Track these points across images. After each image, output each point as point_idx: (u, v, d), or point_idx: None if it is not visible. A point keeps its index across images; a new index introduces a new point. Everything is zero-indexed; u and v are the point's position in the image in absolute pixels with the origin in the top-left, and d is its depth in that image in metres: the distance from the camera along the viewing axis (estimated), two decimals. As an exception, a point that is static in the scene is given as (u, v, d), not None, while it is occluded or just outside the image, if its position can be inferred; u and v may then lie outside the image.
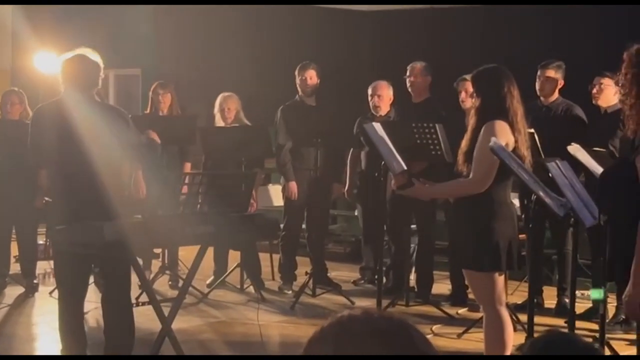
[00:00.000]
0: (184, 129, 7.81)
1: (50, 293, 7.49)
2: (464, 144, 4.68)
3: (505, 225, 4.60)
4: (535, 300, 6.78)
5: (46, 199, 7.82)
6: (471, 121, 4.69)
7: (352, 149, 8.00)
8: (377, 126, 5.97)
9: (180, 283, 7.84)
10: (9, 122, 7.54)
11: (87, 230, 4.80)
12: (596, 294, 7.16)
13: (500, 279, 4.72)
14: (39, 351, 5.99)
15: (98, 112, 5.15)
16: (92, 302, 6.00)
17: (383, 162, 6.62)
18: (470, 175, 4.58)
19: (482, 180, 4.53)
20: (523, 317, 5.77)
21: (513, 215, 4.68)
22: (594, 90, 6.73)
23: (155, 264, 8.19)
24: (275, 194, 9.17)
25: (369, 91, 7.78)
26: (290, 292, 7.80)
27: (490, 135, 4.47)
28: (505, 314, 4.76)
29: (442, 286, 7.76)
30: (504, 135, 4.52)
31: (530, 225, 4.64)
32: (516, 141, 4.59)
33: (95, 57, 5.22)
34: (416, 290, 7.42)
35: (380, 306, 6.45)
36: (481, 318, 5.81)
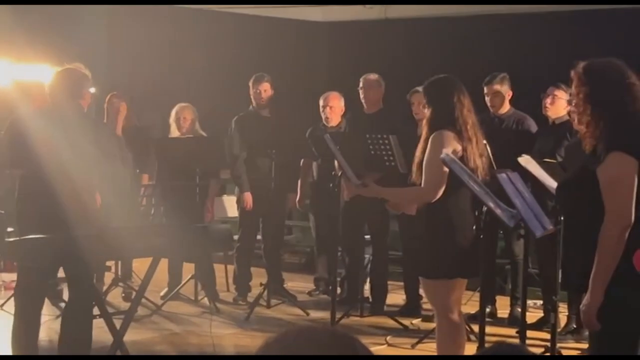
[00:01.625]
0: (139, 140, 7.78)
1: (1, 306, 7.40)
2: (418, 154, 4.73)
3: (459, 233, 4.64)
4: (488, 310, 6.87)
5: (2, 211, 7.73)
6: (423, 131, 4.74)
7: (303, 160, 8.02)
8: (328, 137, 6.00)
9: (134, 295, 7.79)
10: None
11: (42, 243, 4.76)
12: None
13: (454, 288, 4.75)
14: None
15: (80, 123, 5.17)
16: (45, 315, 5.94)
17: (335, 173, 6.66)
18: (422, 185, 4.62)
19: (433, 189, 4.57)
20: (476, 327, 5.81)
21: (468, 223, 4.72)
22: (547, 101, 6.82)
23: (109, 276, 8.13)
24: (230, 205, 9.14)
25: (321, 102, 7.82)
26: (245, 303, 7.78)
27: (438, 144, 4.52)
28: (458, 323, 4.80)
29: (396, 296, 7.80)
30: (450, 145, 4.56)
31: (481, 236, 4.67)
32: (465, 150, 4.62)
33: (85, 71, 5.41)
34: (370, 300, 7.45)
35: (334, 317, 6.47)
36: (434, 328, 5.87)
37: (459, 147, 4.60)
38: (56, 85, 5.25)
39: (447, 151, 4.39)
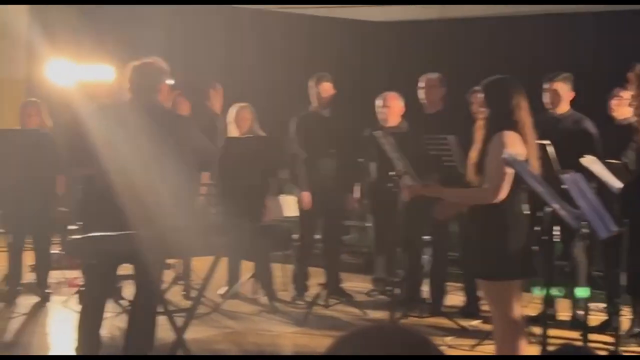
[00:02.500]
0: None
1: (64, 302, 7.53)
2: (473, 155, 4.68)
3: (518, 235, 4.59)
4: (548, 312, 6.78)
5: (62, 208, 7.88)
6: (480, 132, 4.69)
7: (362, 159, 8.01)
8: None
9: (194, 293, 7.87)
10: (27, 131, 7.58)
11: (101, 241, 4.82)
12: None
13: (514, 290, 4.70)
14: (54, 360, 6.01)
15: (157, 119, 5.13)
16: (109, 311, 6.01)
17: (394, 173, 6.64)
18: (486, 186, 4.57)
19: (497, 191, 4.52)
20: (536, 330, 5.75)
21: (524, 224, 4.67)
22: (613, 102, 6.72)
23: (169, 274, 8.21)
24: (288, 205, 9.17)
25: (379, 102, 7.80)
26: (302, 302, 7.80)
27: (501, 146, 4.47)
28: (518, 325, 4.75)
29: (455, 298, 7.74)
30: (514, 146, 4.52)
31: (545, 238, 4.62)
32: (528, 152, 4.59)
33: (162, 64, 5.30)
34: (429, 301, 7.41)
35: (393, 317, 6.45)
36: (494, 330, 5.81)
37: (523, 150, 4.55)
38: (133, 79, 5.22)
39: (508, 151, 4.34)
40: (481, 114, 4.76)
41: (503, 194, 4.52)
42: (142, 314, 5.28)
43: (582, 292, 7.04)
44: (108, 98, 8.25)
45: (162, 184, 6.45)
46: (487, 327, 6.70)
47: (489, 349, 6.06)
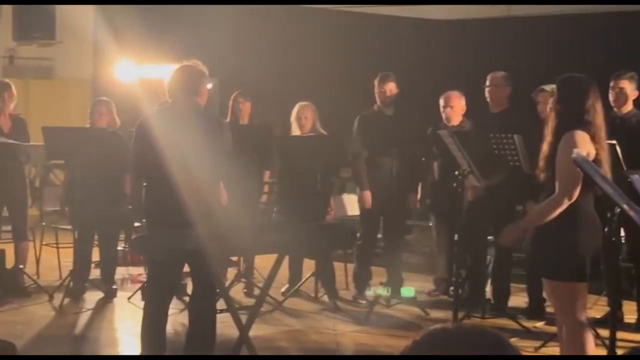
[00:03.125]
0: (262, 138, 7.89)
1: (129, 299, 7.64)
2: (545, 148, 4.64)
3: (588, 236, 4.54)
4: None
5: (130, 207, 8.00)
6: (551, 124, 4.65)
7: (424, 159, 7.99)
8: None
9: (256, 291, 7.92)
10: (97, 130, 7.71)
11: (167, 238, 4.88)
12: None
13: (582, 291, 4.64)
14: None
15: (199, 121, 5.21)
16: (172, 308, 6.09)
17: (458, 172, 6.61)
18: (556, 189, 4.52)
19: (568, 192, 4.47)
20: (602, 332, 5.67)
21: (597, 226, 4.61)
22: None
23: (231, 272, 8.28)
24: (350, 204, 9.18)
25: (441, 102, 7.76)
26: (364, 301, 7.79)
27: (571, 145, 4.42)
28: (585, 327, 4.69)
29: (518, 299, 7.67)
30: (584, 146, 4.46)
31: (614, 239, 4.56)
32: (597, 153, 4.53)
33: (202, 67, 5.38)
34: (492, 302, 7.34)
35: (456, 317, 6.41)
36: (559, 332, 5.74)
37: (592, 150, 4.49)
38: (174, 82, 5.29)
39: (577, 151, 4.28)
40: (552, 108, 4.72)
41: (575, 194, 4.47)
42: (202, 311, 5.32)
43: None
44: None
45: (225, 182, 6.54)
46: (552, 328, 6.62)
47: (553, 350, 5.99)
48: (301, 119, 7.92)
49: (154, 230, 5.17)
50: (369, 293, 7.76)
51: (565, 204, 4.48)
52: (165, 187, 5.05)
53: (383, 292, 7.54)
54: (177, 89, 5.26)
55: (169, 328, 6.35)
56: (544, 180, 4.63)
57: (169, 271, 5.29)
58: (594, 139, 4.52)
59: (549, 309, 7.12)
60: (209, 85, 5.54)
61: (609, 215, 4.48)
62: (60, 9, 12.60)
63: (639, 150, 5.89)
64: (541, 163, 4.65)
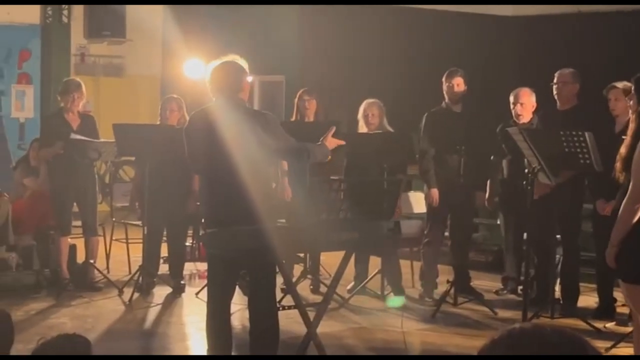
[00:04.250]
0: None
1: (197, 294, 7.71)
2: (623, 150, 4.54)
3: None
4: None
5: (198, 203, 8.08)
6: (632, 126, 4.54)
7: (493, 157, 7.91)
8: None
9: (322, 288, 7.93)
10: (166, 127, 7.80)
11: (235, 235, 4.91)
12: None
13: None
14: (190, 351, 6.18)
15: (244, 117, 5.22)
16: (238, 305, 6.13)
17: (528, 170, 6.53)
18: (630, 189, 4.42)
19: None
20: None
21: None
22: None
23: (297, 269, 8.31)
24: (417, 201, 9.13)
25: (511, 99, 7.66)
26: (431, 300, 7.75)
27: None
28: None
29: (588, 299, 7.55)
30: None
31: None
32: None
33: (241, 62, 5.35)
34: (561, 302, 7.24)
35: (525, 317, 6.34)
36: (630, 333, 5.64)
37: None
38: (217, 80, 5.26)
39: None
40: (631, 108, 4.62)
41: None
42: (260, 310, 5.29)
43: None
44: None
45: (292, 179, 6.57)
46: (622, 329, 6.52)
47: (624, 351, 5.89)
48: (368, 116, 7.90)
49: (213, 228, 5.18)
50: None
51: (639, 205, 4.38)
52: (223, 184, 5.07)
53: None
54: (221, 87, 5.25)
55: (236, 323, 6.43)
56: (623, 182, 4.52)
57: (227, 268, 5.29)
58: None
59: (620, 310, 7.01)
60: (249, 79, 5.51)
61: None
62: (130, 7, 12.80)
63: None
64: (618, 164, 4.55)
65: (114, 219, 9.16)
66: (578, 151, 6.29)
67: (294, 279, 7.95)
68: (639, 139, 4.43)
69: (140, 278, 7.68)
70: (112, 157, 8.67)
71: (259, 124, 5.25)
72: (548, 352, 1.30)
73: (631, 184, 4.42)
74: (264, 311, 5.30)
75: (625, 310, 6.48)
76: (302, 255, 8.15)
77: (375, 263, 8.07)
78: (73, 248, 8.21)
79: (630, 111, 4.67)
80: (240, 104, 5.32)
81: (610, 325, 6.87)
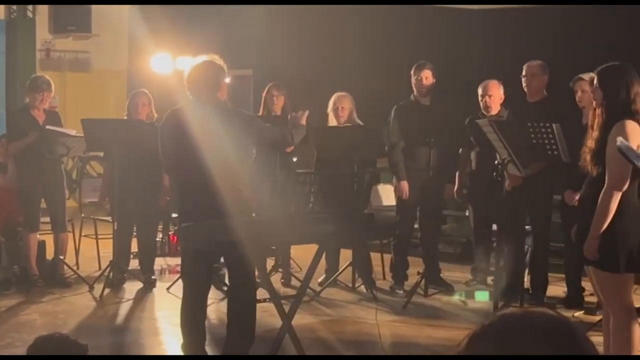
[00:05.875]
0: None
1: (168, 289, 7.70)
2: (591, 143, 4.59)
3: (635, 226, 4.50)
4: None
5: (168, 198, 8.07)
6: (597, 120, 4.60)
7: (461, 149, 7.97)
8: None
9: (293, 281, 7.96)
10: (135, 122, 7.77)
11: (210, 228, 4.92)
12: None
13: (631, 281, 4.63)
14: (164, 345, 6.16)
15: (221, 117, 5.23)
16: (210, 299, 6.13)
17: (497, 162, 6.59)
18: (606, 181, 4.48)
19: (618, 182, 4.43)
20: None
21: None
22: None
23: (268, 262, 8.32)
24: (386, 194, 9.18)
25: (480, 91, 7.72)
26: (401, 291, 7.81)
27: (623, 135, 4.38)
28: (634, 317, 4.67)
29: (556, 288, 7.64)
30: (636, 136, 4.43)
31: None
32: None
33: (220, 62, 5.37)
34: (530, 292, 7.32)
35: (496, 307, 6.41)
36: (598, 321, 5.72)
37: None
38: (196, 78, 5.29)
39: (621, 139, 4.25)
40: (595, 101, 4.67)
41: (624, 184, 4.44)
42: (240, 302, 5.34)
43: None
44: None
45: (259, 174, 6.56)
46: (591, 318, 6.61)
47: (594, 340, 5.94)
48: (338, 110, 7.93)
49: (186, 222, 5.19)
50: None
51: (617, 194, 4.44)
52: (196, 183, 5.09)
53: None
54: (200, 86, 5.27)
55: (213, 317, 6.44)
56: (596, 176, 4.57)
57: (202, 261, 5.31)
58: None
59: (588, 299, 7.11)
60: (227, 80, 5.55)
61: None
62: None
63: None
64: (588, 157, 4.60)
65: (82, 215, 9.10)
66: (546, 142, 6.36)
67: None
68: (608, 132, 4.49)
69: (111, 273, 7.65)
70: (81, 153, 8.63)
71: (238, 122, 5.29)
72: (539, 335, 1.33)
73: (607, 175, 4.48)
74: (241, 304, 5.33)
75: (593, 299, 6.57)
76: (274, 248, 8.17)
77: (346, 255, 8.11)
78: (42, 244, 8.16)
79: (594, 103, 4.71)
80: (218, 104, 5.34)
81: (578, 314, 6.96)
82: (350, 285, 7.99)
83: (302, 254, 6.01)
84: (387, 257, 8.27)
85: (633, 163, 4.07)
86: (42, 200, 7.99)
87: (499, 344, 1.33)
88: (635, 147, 4.38)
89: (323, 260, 7.98)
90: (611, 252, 4.49)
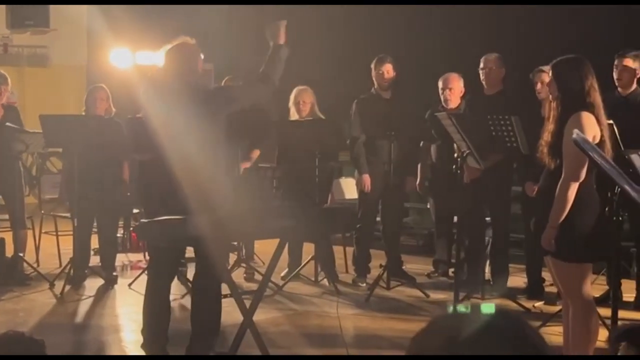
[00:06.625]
0: (258, 123, 7.88)
1: (129, 285, 7.66)
2: (547, 136, 4.63)
3: (593, 216, 4.55)
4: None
5: (129, 193, 8.01)
6: (553, 113, 4.64)
7: (422, 142, 8.01)
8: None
9: (256, 276, 7.95)
10: (94, 117, 7.69)
11: (166, 225, 4.89)
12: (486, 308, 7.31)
13: (588, 270, 4.68)
14: (125, 342, 6.12)
15: (202, 101, 5.12)
16: (173, 294, 6.10)
17: (457, 155, 6.62)
18: (563, 173, 4.53)
19: (575, 174, 4.48)
20: (601, 311, 5.69)
21: (597, 205, 4.63)
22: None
23: (231, 257, 8.30)
24: (348, 187, 9.20)
25: (440, 84, 7.76)
26: (364, 284, 7.83)
27: (579, 127, 4.42)
28: (592, 307, 4.73)
29: (517, 279, 7.71)
30: (591, 128, 4.48)
31: (615, 218, 4.58)
32: (602, 134, 4.55)
33: (194, 44, 5.30)
34: (491, 283, 7.38)
35: (457, 299, 6.45)
36: (558, 312, 5.78)
37: (599, 131, 4.51)
38: (171, 62, 5.21)
39: (577, 132, 4.30)
40: (550, 94, 4.71)
41: (582, 175, 4.48)
42: (205, 297, 5.34)
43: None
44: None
45: (221, 167, 6.53)
46: (551, 308, 6.68)
47: (553, 330, 6.03)
48: (299, 103, 7.92)
49: (152, 217, 5.17)
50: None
51: (575, 185, 4.49)
52: (161, 172, 5.06)
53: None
54: (174, 69, 5.20)
55: (174, 312, 6.40)
56: (554, 168, 4.61)
57: (169, 257, 5.31)
58: (597, 119, 4.54)
59: (548, 289, 7.18)
60: (202, 56, 5.46)
61: (609, 195, 4.50)
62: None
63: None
64: (545, 150, 4.64)
65: (42, 212, 9.02)
66: (505, 135, 6.40)
67: (228, 267, 7.96)
68: (564, 124, 4.53)
69: (72, 270, 7.59)
70: (40, 149, 8.54)
71: (222, 99, 5.21)
72: (490, 333, 1.33)
73: (564, 167, 4.52)
74: (205, 299, 5.32)
75: (553, 289, 6.64)
76: (236, 243, 8.15)
77: (308, 249, 8.11)
78: (1, 242, 8.07)
79: (550, 96, 4.76)
80: (196, 86, 5.24)
81: (539, 304, 7.03)
82: (313, 279, 8.00)
83: (267, 248, 6.00)
84: (350, 250, 8.29)
85: (589, 155, 4.11)
86: (0, 197, 7.90)
87: (449, 340, 1.33)
88: (591, 139, 4.44)
89: (286, 255, 8.01)
90: (569, 242, 4.54)
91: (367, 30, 10.72)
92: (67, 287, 7.48)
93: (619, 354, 1.76)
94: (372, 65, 7.78)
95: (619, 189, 4.35)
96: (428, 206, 8.73)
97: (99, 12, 11.78)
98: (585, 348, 4.67)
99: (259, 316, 6.21)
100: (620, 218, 4.88)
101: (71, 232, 7.74)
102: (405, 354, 1.39)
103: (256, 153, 8.07)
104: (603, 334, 5.22)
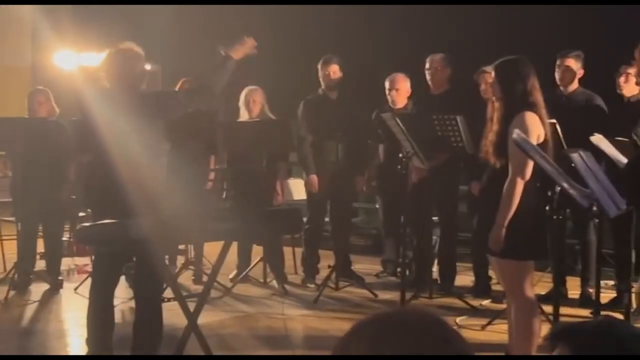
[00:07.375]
0: (208, 125, 7.84)
1: (75, 289, 7.57)
2: (492, 136, 4.66)
3: (533, 214, 4.59)
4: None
5: (73, 196, 7.91)
6: (497, 113, 4.68)
7: (370, 142, 8.02)
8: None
9: (204, 278, 7.90)
10: (37, 120, 7.58)
11: (110, 228, 4.83)
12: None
13: (529, 268, 4.71)
14: (71, 347, 6.04)
15: (140, 106, 5.06)
16: (119, 298, 6.04)
17: (402, 155, 6.65)
18: (510, 172, 4.55)
19: (521, 171, 4.51)
20: (546, 308, 5.77)
21: (538, 203, 4.67)
22: (621, 79, 6.72)
23: (180, 259, 8.25)
24: (296, 188, 9.19)
25: (387, 85, 7.78)
26: (313, 285, 7.83)
27: (522, 126, 4.46)
28: (534, 303, 4.77)
29: (465, 278, 7.77)
30: (536, 127, 4.51)
31: (555, 217, 4.63)
32: (545, 133, 4.59)
33: (138, 49, 5.24)
34: (439, 282, 7.43)
35: (404, 298, 6.47)
36: (505, 309, 5.82)
37: (542, 131, 4.55)
38: (110, 67, 5.15)
39: (518, 132, 4.33)
40: (494, 95, 4.75)
41: (528, 172, 4.52)
42: (146, 300, 5.28)
43: None
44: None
45: (167, 169, 6.49)
46: (498, 306, 6.74)
47: (499, 328, 6.09)
48: (249, 103, 7.89)
49: (98, 220, 5.11)
50: None
51: (521, 183, 4.53)
52: (105, 175, 5.00)
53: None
54: (115, 74, 5.15)
55: (118, 318, 6.32)
56: (499, 167, 4.64)
57: (114, 261, 5.25)
58: (540, 119, 4.58)
59: (495, 287, 7.24)
60: (147, 67, 5.41)
61: (549, 193, 4.55)
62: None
63: (584, 129, 5.96)
64: (490, 149, 4.67)
65: (-15, 216, 8.87)
66: (450, 134, 6.44)
67: (176, 270, 7.91)
68: (508, 124, 4.56)
69: (16, 275, 7.48)
70: (-18, 152, 8.40)
71: (160, 104, 5.16)
72: (412, 335, 1.34)
73: (510, 166, 4.56)
74: (147, 304, 5.26)
75: (500, 288, 6.69)
76: (183, 246, 8.10)
77: (257, 251, 8.09)
78: (-57, 247, 7.93)
79: (493, 97, 4.79)
80: (134, 92, 5.19)
81: (486, 302, 7.08)
82: (262, 280, 7.97)
83: (216, 250, 5.95)
84: (299, 251, 8.29)
85: (529, 155, 4.15)
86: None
87: (372, 343, 1.33)
88: (535, 138, 4.48)
89: (235, 256, 7.98)
90: (510, 240, 4.58)
91: (315, 30, 10.73)
92: (12, 293, 7.36)
93: (554, 353, 1.77)
94: (319, 66, 7.79)
95: (559, 188, 4.40)
96: (377, 206, 8.75)
97: (43, 13, 11.63)
98: (527, 346, 4.70)
99: (207, 318, 6.19)
100: (561, 217, 4.93)
101: (15, 237, 7.63)
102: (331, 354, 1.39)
103: (212, 160, 8.06)
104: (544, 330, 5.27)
